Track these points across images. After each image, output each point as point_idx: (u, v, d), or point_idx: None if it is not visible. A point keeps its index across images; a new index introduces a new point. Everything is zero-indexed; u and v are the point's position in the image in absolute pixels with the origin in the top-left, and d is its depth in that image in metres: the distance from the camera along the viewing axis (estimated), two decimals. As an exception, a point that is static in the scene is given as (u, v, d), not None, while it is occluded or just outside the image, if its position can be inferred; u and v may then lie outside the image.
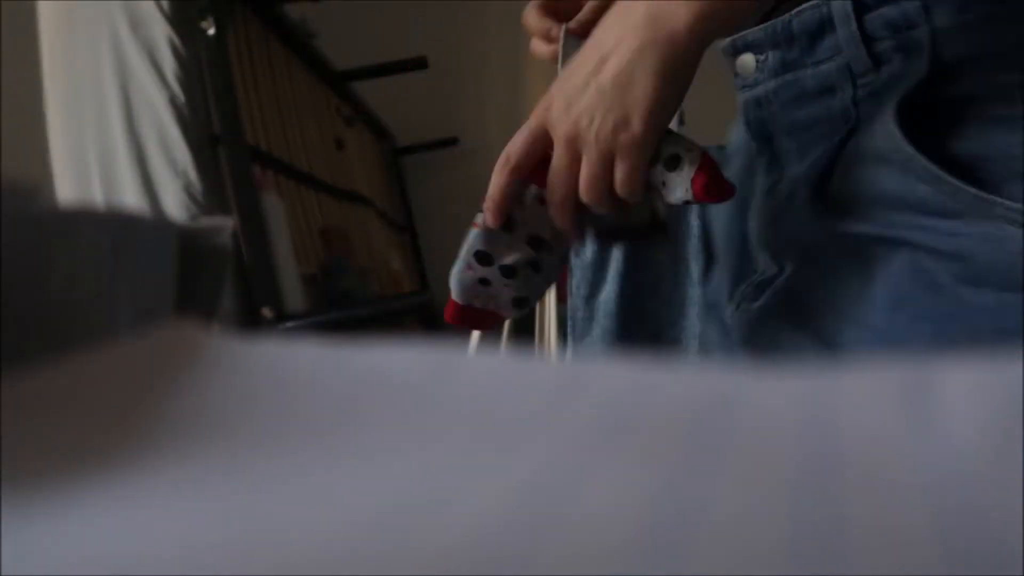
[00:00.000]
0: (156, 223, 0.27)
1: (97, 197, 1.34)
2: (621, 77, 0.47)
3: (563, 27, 0.61)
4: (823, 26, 0.52)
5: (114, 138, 1.35)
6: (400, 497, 0.14)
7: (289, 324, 1.34)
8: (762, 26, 0.56)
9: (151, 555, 0.12)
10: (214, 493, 0.15)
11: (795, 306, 0.56)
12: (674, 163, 0.51)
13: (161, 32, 1.38)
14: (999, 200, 0.43)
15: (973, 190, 0.44)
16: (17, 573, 0.12)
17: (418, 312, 2.31)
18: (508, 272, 0.60)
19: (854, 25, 0.51)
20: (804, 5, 0.53)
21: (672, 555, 0.12)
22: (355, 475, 0.16)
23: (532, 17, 0.62)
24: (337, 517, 0.14)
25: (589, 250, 1.19)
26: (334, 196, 2.08)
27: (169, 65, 1.38)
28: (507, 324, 1.19)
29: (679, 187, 0.52)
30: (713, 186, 0.51)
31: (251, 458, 0.17)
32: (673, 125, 0.53)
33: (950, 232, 0.46)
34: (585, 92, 0.48)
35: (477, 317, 0.64)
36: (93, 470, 0.16)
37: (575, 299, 1.19)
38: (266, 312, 1.32)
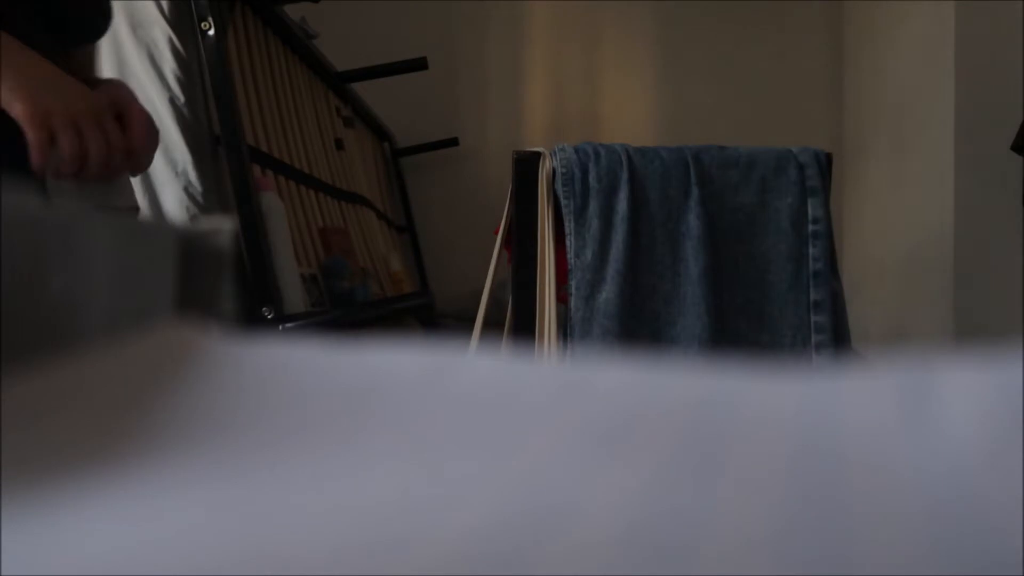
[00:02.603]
0: (156, 224, 0.27)
1: (97, 197, 1.34)
2: None
3: None
4: None
5: (114, 138, 1.35)
6: (401, 497, 0.14)
7: (289, 324, 1.34)
8: None
9: (151, 554, 0.12)
10: (214, 492, 0.15)
11: None
12: None
13: (161, 32, 1.38)
14: None
15: None
16: (17, 573, 0.12)
17: (418, 312, 2.31)
18: None
19: None
20: None
21: (671, 552, 0.12)
22: (355, 475, 0.16)
23: None
24: (338, 516, 0.14)
25: (589, 252, 1.19)
26: (334, 196, 2.08)
27: (169, 65, 1.38)
28: (507, 324, 1.18)
29: None
30: None
31: (251, 458, 0.17)
32: None
33: None
34: None
35: None
36: (93, 469, 0.16)
37: (575, 299, 1.19)
38: (266, 312, 1.32)
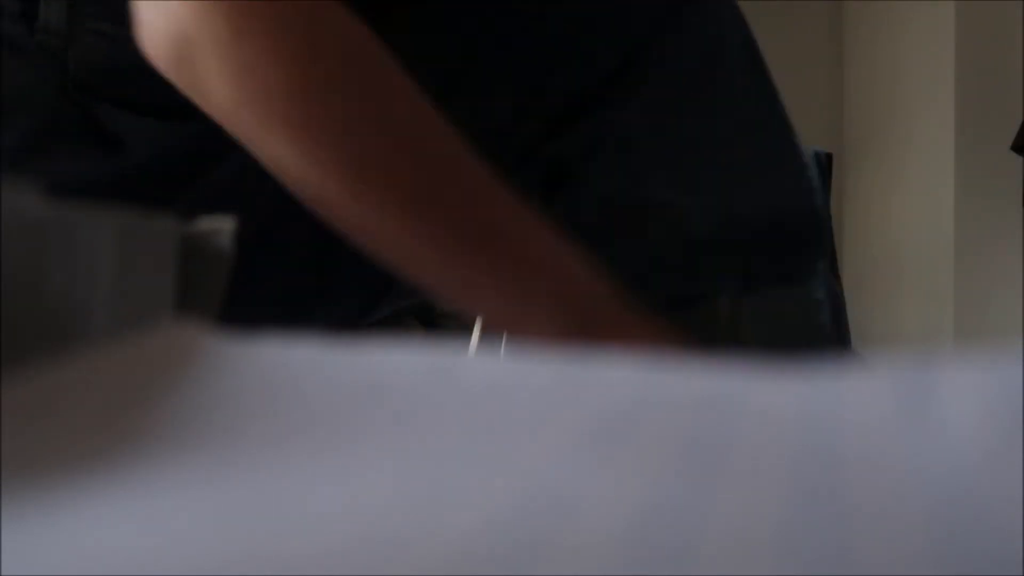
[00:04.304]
0: (156, 224, 0.27)
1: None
2: None
3: None
4: None
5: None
6: (401, 496, 0.14)
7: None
8: None
9: (152, 554, 0.12)
10: (215, 492, 0.15)
11: None
12: None
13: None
14: None
15: None
16: (17, 573, 0.12)
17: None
18: None
19: None
20: None
21: (672, 552, 0.12)
22: (356, 474, 0.16)
23: None
24: (339, 516, 0.14)
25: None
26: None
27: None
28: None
29: None
30: None
31: (252, 458, 0.17)
32: None
33: None
34: None
35: None
36: (93, 470, 0.16)
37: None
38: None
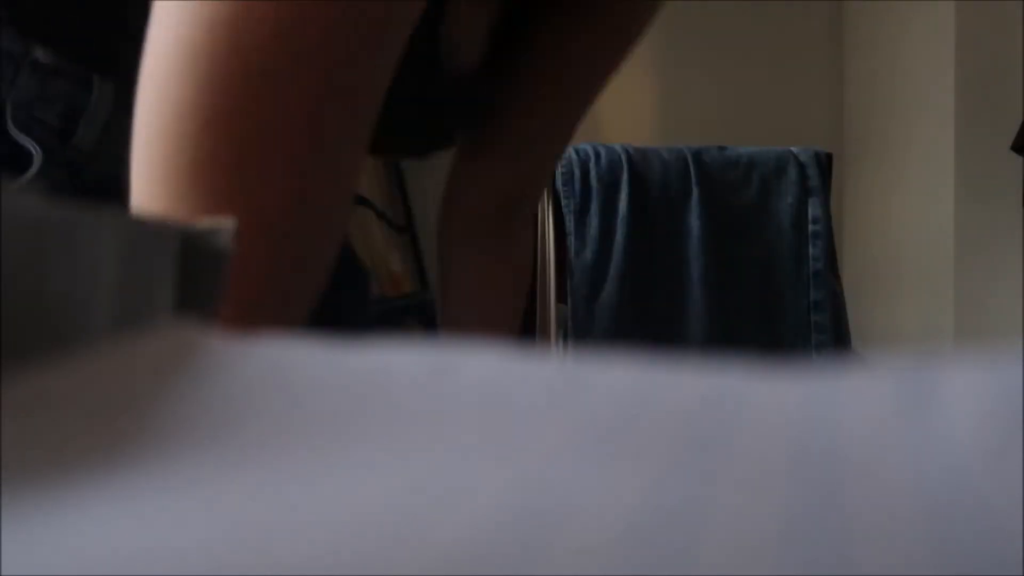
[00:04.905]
0: (157, 223, 0.27)
1: (97, 197, 1.34)
2: None
3: None
4: None
5: (114, 138, 1.35)
6: (400, 498, 0.14)
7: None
8: None
9: (151, 554, 0.12)
10: (215, 493, 0.15)
11: None
12: None
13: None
14: None
15: None
16: (17, 573, 0.12)
17: (418, 312, 2.31)
18: None
19: None
20: None
21: (672, 553, 0.12)
22: (355, 476, 0.16)
23: None
24: (337, 517, 0.14)
25: (589, 252, 1.19)
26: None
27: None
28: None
29: None
30: None
31: (251, 459, 0.17)
32: None
33: None
34: None
35: None
36: (93, 470, 0.16)
37: (575, 299, 1.19)
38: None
